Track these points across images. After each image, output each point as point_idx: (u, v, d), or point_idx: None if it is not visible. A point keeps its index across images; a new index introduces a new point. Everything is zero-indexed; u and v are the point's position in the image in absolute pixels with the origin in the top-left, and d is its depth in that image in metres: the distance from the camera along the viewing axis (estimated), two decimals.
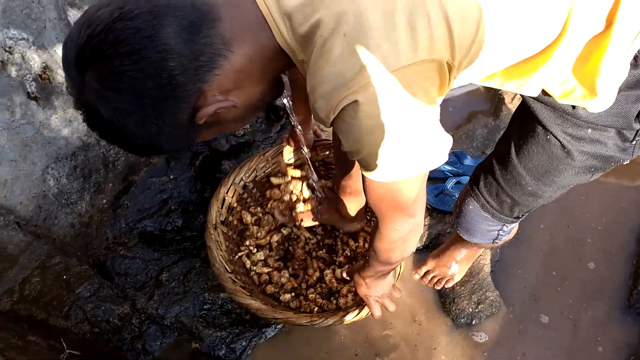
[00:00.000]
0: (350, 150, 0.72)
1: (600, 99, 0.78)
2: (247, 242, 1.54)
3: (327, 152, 1.59)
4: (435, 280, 1.52)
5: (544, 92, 0.82)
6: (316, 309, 1.40)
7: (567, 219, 1.65)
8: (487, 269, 1.54)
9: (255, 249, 1.54)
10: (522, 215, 1.08)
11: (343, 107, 0.64)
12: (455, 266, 1.48)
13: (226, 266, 1.37)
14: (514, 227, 1.19)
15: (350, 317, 1.24)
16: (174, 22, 0.59)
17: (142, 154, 0.77)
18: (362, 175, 0.77)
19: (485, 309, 1.48)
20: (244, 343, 1.49)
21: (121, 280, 1.55)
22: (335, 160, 1.41)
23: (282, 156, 1.58)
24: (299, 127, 1.30)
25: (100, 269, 1.53)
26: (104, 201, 1.54)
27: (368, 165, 0.72)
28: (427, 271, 1.53)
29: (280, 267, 1.52)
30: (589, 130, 0.86)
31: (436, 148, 0.71)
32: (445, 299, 1.52)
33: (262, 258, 1.52)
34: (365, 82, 0.62)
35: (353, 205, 1.39)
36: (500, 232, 1.14)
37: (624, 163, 0.91)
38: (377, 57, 0.61)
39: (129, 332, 1.47)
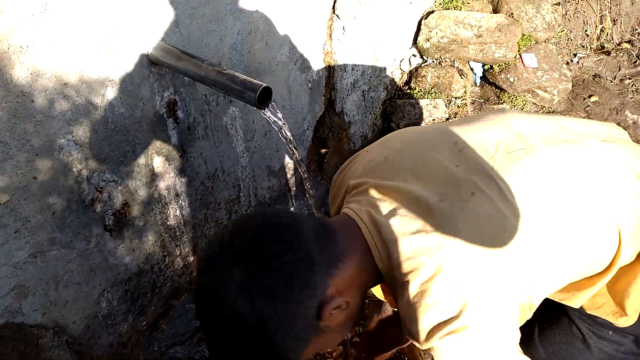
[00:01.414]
0: None
1: (628, 318, 0.87)
2: None
3: None
4: None
5: None
6: None
7: None
8: None
9: None
10: None
11: (443, 340, 0.73)
12: None
13: None
14: None
15: None
16: (311, 229, 0.73)
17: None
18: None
19: None
20: None
21: None
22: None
23: None
24: None
25: None
26: (144, 323, 1.62)
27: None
28: None
29: None
30: (611, 332, 0.93)
31: None
32: None
33: None
34: (464, 326, 0.71)
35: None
36: None
37: None
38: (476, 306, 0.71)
39: None
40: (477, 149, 0.83)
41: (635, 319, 0.88)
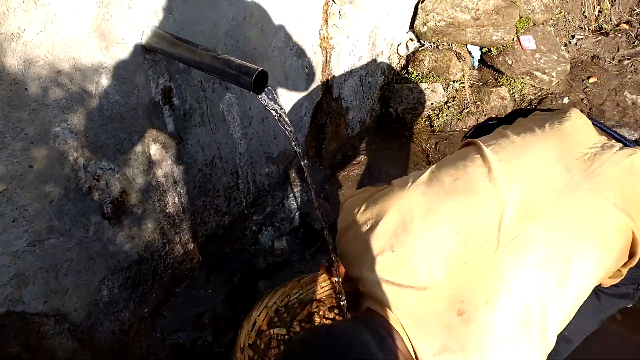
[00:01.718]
0: None
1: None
2: None
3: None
4: None
5: None
6: None
7: None
8: None
9: None
10: None
11: None
12: None
13: None
14: None
15: None
16: (372, 341, 0.81)
17: None
18: None
19: None
20: None
21: None
22: None
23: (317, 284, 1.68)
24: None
25: None
26: (145, 310, 1.63)
27: None
28: None
29: None
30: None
31: None
32: None
33: None
34: None
35: None
36: None
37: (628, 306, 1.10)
38: None
39: None
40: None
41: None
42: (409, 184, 0.95)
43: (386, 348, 0.80)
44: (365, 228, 0.96)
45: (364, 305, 0.99)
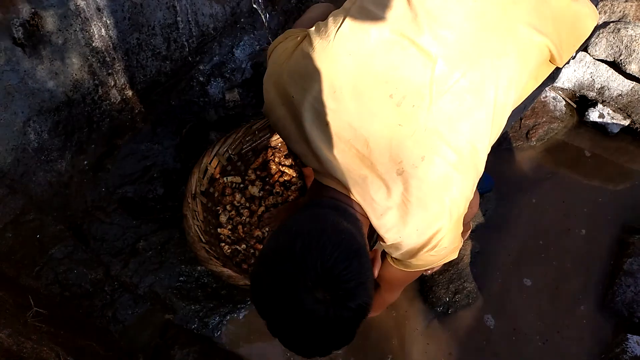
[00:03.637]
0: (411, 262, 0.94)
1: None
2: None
3: None
4: None
5: None
6: None
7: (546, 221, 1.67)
8: (467, 259, 1.55)
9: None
10: None
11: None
12: None
13: (201, 236, 1.34)
14: None
15: None
16: (345, 221, 0.81)
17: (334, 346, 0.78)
18: (390, 265, 0.99)
19: (461, 299, 1.48)
20: (217, 318, 1.47)
21: (97, 245, 1.51)
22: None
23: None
24: None
25: (76, 232, 1.49)
26: (85, 162, 1.50)
27: (417, 265, 0.94)
28: None
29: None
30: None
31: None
32: (423, 287, 1.52)
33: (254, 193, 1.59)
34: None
35: None
36: None
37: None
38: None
39: (100, 299, 1.43)
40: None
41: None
42: (330, 38, 0.85)
43: (353, 221, 0.84)
44: (293, 101, 0.88)
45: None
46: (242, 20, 1.81)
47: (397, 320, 1.47)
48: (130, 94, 1.55)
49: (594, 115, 1.88)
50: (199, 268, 1.51)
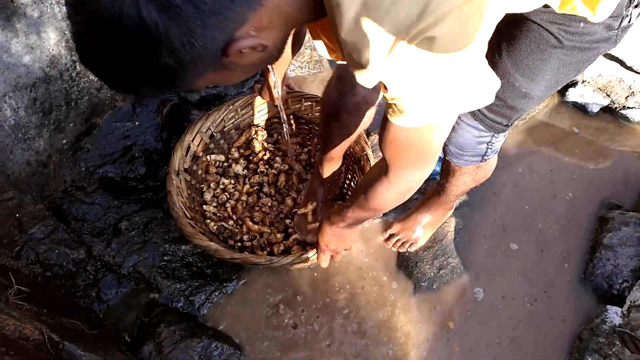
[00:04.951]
0: (397, 95, 0.67)
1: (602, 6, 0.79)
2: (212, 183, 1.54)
3: (299, 106, 1.56)
4: (399, 243, 1.53)
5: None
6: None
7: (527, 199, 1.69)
8: (451, 235, 1.56)
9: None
10: (512, 124, 1.05)
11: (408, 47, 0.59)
12: (419, 230, 1.50)
13: (186, 212, 1.33)
14: (500, 143, 1.17)
15: (310, 255, 1.24)
16: None
17: (145, 81, 0.63)
18: (388, 123, 0.73)
19: (446, 274, 1.50)
20: (203, 297, 1.46)
21: (78, 225, 1.48)
22: (325, 121, 1.33)
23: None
24: (276, 78, 1.27)
25: (56, 212, 1.46)
26: (64, 141, 1.47)
27: (410, 109, 0.68)
28: (392, 234, 1.54)
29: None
30: (582, 24, 0.87)
31: (487, 85, 0.68)
32: (408, 263, 1.53)
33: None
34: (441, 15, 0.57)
35: (333, 169, 1.40)
36: (489, 146, 1.12)
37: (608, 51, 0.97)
38: None
39: (83, 279, 1.41)
40: None
41: (608, 11, 0.82)
42: None
43: None
44: None
45: None
46: None
47: (382, 295, 1.48)
48: None
49: (574, 95, 1.91)
50: (183, 247, 1.49)
